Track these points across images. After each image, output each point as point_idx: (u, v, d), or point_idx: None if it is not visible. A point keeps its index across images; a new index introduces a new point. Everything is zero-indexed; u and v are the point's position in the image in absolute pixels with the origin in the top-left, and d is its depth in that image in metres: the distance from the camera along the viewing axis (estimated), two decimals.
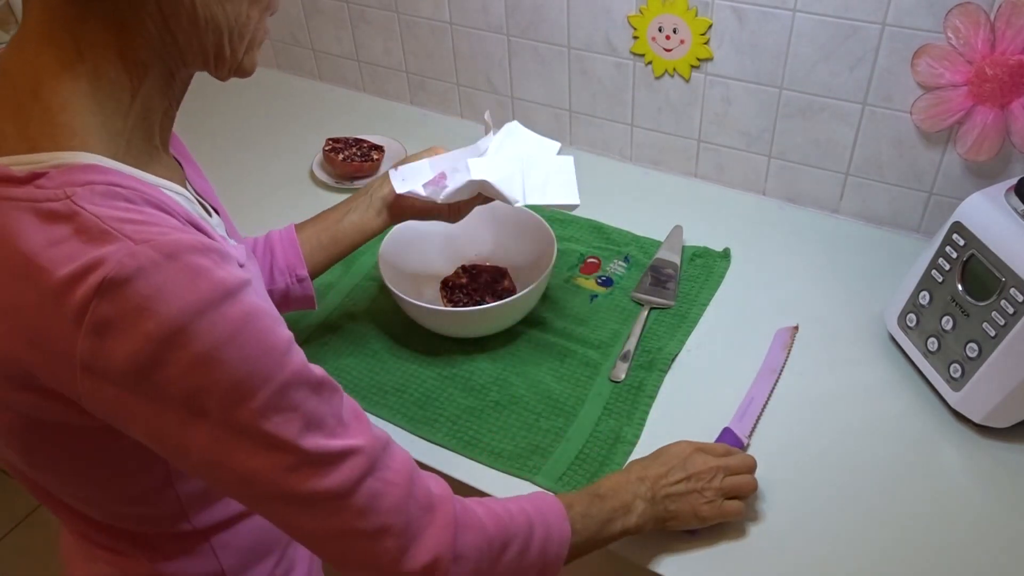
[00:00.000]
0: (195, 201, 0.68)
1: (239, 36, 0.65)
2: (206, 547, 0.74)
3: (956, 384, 0.93)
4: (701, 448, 0.85)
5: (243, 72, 0.68)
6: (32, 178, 0.55)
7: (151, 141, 0.65)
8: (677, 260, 1.16)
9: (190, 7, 0.60)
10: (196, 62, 0.65)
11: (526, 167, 0.95)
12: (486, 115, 0.98)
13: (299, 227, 0.99)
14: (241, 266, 0.70)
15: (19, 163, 0.56)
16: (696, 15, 1.18)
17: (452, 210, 0.99)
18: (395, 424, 0.98)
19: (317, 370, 0.61)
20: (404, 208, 1.00)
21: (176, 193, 0.65)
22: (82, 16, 0.58)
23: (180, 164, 0.76)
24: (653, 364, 1.03)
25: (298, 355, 0.60)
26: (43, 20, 0.58)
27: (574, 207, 0.95)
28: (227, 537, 0.75)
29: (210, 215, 0.73)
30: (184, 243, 0.55)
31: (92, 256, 0.52)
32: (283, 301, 0.98)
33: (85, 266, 0.52)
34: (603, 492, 0.79)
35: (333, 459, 0.59)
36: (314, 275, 0.99)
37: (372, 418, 0.98)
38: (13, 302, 0.54)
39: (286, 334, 0.60)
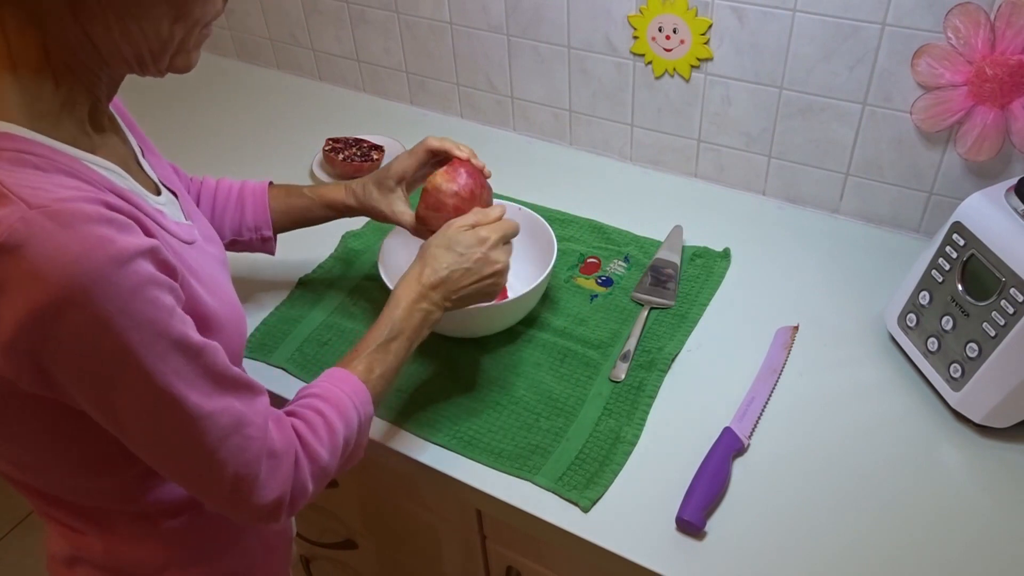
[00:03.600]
0: (128, 178, 0.70)
1: (161, 49, 0.66)
2: (156, 532, 0.77)
3: (956, 384, 0.93)
4: (461, 227, 0.88)
5: (179, 71, 0.70)
6: None
7: (82, 127, 0.67)
8: (677, 260, 1.16)
9: (104, 21, 0.62)
10: (121, 67, 0.67)
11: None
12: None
13: (272, 187, 1.06)
14: (190, 243, 0.73)
15: None
16: (696, 15, 1.18)
17: (418, 229, 0.99)
18: (396, 424, 0.98)
19: (196, 337, 0.64)
20: (368, 204, 1.02)
21: (105, 169, 0.66)
22: (3, 10, 0.59)
23: (136, 147, 0.78)
24: (653, 364, 1.03)
25: (180, 322, 0.63)
26: None
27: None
28: (177, 526, 0.78)
29: (159, 194, 0.75)
30: (82, 212, 0.56)
31: None
32: (244, 249, 1.07)
33: None
34: (394, 331, 0.83)
35: (203, 419, 0.64)
36: (281, 231, 1.06)
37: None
38: None
39: (168, 302, 0.62)
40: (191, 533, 0.80)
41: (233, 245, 1.05)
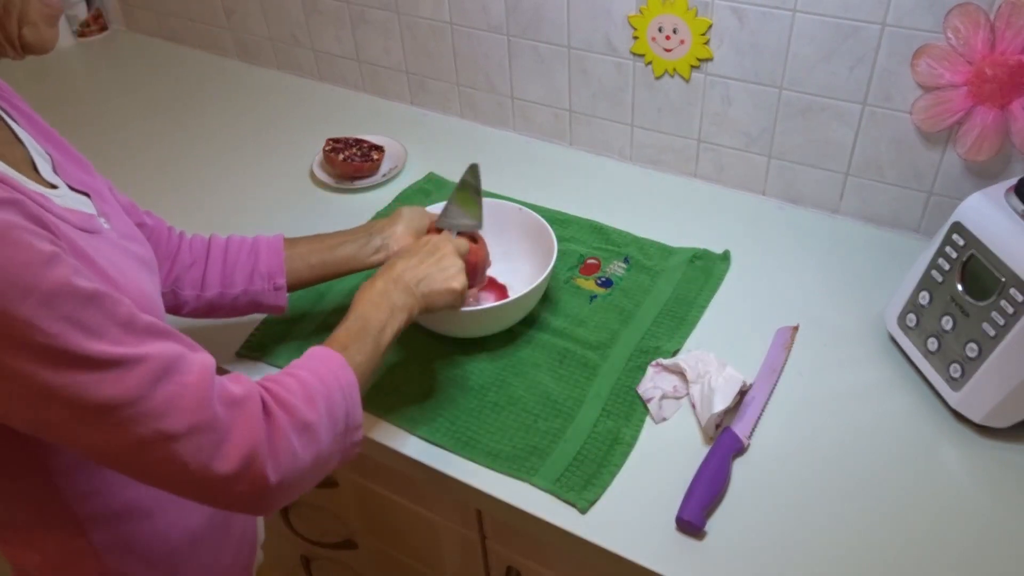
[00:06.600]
0: (9, 168, 0.65)
1: (3, 11, 0.64)
2: (90, 549, 0.73)
3: (956, 384, 0.93)
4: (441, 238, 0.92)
5: (33, 49, 0.67)
6: None
7: None
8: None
9: None
10: None
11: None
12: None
13: (291, 241, 1.01)
14: (89, 232, 0.68)
15: None
16: (696, 15, 1.18)
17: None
18: (395, 424, 0.98)
19: (87, 283, 0.59)
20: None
21: None
22: None
23: (41, 153, 0.74)
24: None
25: (61, 267, 0.57)
26: None
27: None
28: (111, 539, 0.74)
29: (56, 187, 0.71)
30: None
31: None
32: (253, 303, 0.99)
33: None
34: (365, 319, 0.81)
35: (119, 365, 0.58)
36: (293, 288, 1.00)
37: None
38: None
39: (46, 248, 0.57)
40: (131, 546, 0.75)
41: (243, 296, 0.98)
